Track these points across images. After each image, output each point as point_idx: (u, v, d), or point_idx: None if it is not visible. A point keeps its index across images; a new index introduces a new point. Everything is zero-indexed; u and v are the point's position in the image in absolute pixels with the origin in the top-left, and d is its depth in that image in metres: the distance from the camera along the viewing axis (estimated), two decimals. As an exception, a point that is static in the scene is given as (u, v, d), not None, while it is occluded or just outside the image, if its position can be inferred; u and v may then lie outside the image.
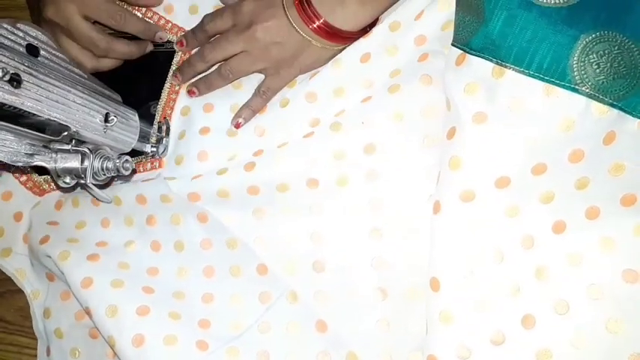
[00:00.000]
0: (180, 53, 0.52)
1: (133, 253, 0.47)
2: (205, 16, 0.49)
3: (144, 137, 0.49)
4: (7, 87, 0.35)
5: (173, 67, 0.52)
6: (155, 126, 0.51)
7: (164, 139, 0.51)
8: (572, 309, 0.37)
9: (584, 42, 0.36)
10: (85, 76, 0.43)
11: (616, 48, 0.36)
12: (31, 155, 0.39)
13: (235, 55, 0.48)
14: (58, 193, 0.53)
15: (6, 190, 0.53)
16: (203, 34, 0.50)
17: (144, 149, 0.50)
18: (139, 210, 0.49)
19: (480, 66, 0.39)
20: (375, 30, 0.46)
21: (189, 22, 0.51)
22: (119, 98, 0.48)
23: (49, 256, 0.47)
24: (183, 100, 0.51)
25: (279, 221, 0.46)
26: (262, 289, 0.45)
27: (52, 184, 0.53)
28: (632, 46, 0.36)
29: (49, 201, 0.53)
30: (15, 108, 0.36)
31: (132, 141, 0.47)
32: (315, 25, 0.45)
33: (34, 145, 0.40)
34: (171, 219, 0.47)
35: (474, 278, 0.40)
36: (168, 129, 0.51)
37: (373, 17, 0.47)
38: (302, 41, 0.46)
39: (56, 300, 0.51)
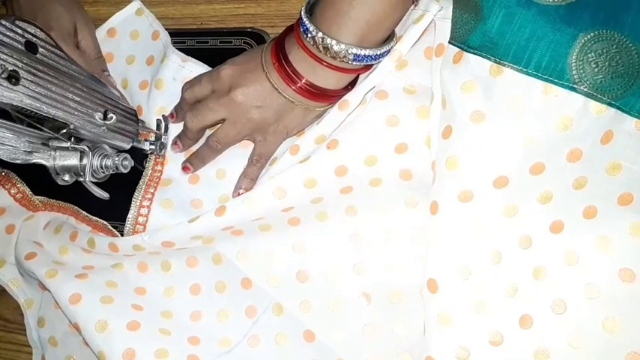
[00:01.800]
0: None
1: (121, 273, 0.47)
2: (184, 85, 0.49)
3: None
4: (5, 84, 0.35)
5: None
6: (154, 124, 0.51)
7: (163, 136, 0.51)
8: (570, 308, 0.37)
9: (582, 40, 0.36)
10: (84, 73, 0.43)
11: (614, 47, 0.36)
12: (30, 153, 0.39)
13: (219, 124, 0.47)
14: (49, 214, 0.53)
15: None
16: (184, 102, 0.49)
17: (143, 147, 0.50)
18: (113, 254, 0.49)
19: (477, 64, 0.39)
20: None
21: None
22: (118, 96, 0.48)
23: (34, 273, 0.47)
24: (166, 171, 0.51)
25: (259, 235, 0.45)
26: (248, 303, 0.45)
27: (46, 205, 0.53)
28: (630, 45, 0.36)
29: (40, 220, 0.53)
30: (13, 105, 0.36)
31: (131, 138, 0.47)
32: (297, 86, 0.43)
33: (32, 142, 0.40)
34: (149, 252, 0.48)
35: (472, 279, 0.40)
36: (167, 127, 0.51)
37: (353, 76, 0.45)
38: (285, 103, 0.45)
39: (50, 309, 0.51)
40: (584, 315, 0.36)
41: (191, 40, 0.53)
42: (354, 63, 0.42)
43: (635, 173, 0.37)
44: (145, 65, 0.53)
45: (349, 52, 0.41)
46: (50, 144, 0.41)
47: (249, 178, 0.48)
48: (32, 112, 0.37)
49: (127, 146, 0.48)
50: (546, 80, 0.37)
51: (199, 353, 0.44)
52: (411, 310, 0.42)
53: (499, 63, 0.38)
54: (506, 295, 0.39)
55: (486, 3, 0.38)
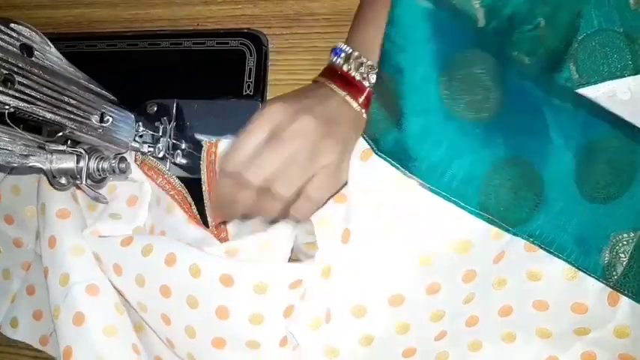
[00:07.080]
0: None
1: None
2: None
3: (140, 137, 0.49)
4: (0, 88, 0.34)
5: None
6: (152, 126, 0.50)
7: (161, 138, 0.50)
8: None
9: (494, 165, 0.34)
10: (80, 76, 0.43)
11: (521, 173, 0.35)
12: (26, 156, 0.39)
13: None
14: None
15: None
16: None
17: (141, 149, 0.49)
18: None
19: (384, 169, 0.36)
20: None
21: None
22: (114, 99, 0.47)
23: None
24: None
25: None
26: None
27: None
28: (535, 172, 0.35)
29: None
30: (9, 109, 0.35)
31: (128, 141, 0.47)
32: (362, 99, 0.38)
33: (29, 145, 0.39)
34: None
35: None
36: (165, 129, 0.51)
37: None
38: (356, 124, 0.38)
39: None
40: None
41: (187, 42, 0.53)
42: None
43: (517, 289, 0.39)
44: None
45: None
46: (46, 147, 0.41)
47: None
48: (28, 115, 0.37)
49: (125, 148, 0.47)
50: (453, 202, 0.35)
51: None
52: None
53: (407, 175, 0.35)
54: None
55: (405, 107, 0.34)
